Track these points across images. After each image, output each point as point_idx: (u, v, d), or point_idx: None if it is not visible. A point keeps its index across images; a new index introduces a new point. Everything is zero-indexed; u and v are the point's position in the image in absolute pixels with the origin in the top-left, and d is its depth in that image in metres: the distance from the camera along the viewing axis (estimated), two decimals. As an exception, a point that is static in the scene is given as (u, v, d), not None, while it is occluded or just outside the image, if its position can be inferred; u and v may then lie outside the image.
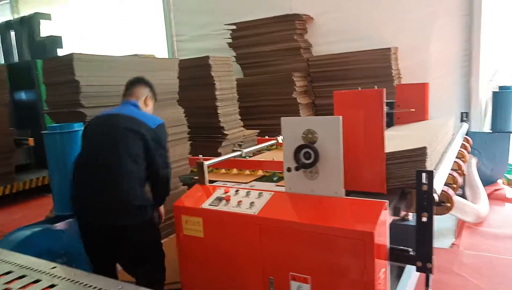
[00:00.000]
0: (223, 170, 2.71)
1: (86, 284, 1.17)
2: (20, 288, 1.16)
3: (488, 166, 5.04)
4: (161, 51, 7.66)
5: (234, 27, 6.21)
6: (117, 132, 2.32)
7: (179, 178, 3.14)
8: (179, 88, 4.07)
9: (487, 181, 4.84)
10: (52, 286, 1.17)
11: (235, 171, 2.66)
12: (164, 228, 3.08)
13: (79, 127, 2.78)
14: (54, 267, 1.30)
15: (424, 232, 1.73)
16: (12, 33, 7.79)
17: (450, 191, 2.10)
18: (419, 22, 5.35)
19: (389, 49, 5.21)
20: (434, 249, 1.74)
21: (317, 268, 1.68)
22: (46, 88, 3.40)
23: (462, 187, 4.20)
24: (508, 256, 3.26)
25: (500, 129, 5.14)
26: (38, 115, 6.25)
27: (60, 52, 7.10)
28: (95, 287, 1.15)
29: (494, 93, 5.22)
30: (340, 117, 1.77)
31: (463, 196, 4.13)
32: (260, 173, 2.53)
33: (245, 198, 1.98)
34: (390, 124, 3.56)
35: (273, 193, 1.96)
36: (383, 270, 1.66)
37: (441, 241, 3.61)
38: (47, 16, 7.46)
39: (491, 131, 5.25)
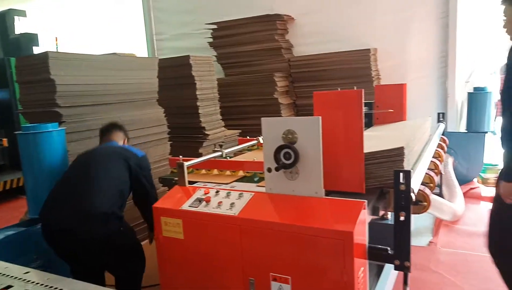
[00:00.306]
0: (203, 171, 2.69)
1: (60, 289, 1.14)
2: (-10, 294, 1.13)
3: (464, 166, 5.17)
4: (141, 50, 7.53)
5: (215, 26, 6.18)
6: (102, 152, 2.53)
7: (159, 179, 3.10)
8: (159, 87, 4.02)
9: (463, 180, 4.97)
10: (25, 291, 1.14)
11: (216, 171, 2.64)
12: (144, 230, 3.04)
13: (54, 127, 2.71)
14: (27, 272, 1.26)
15: (402, 231, 1.75)
16: (-15, 30, 7.52)
17: (427, 191, 2.15)
18: (397, 24, 5.45)
19: (368, 50, 5.29)
20: (412, 247, 1.77)
21: (298, 268, 1.68)
22: (19, 87, 3.29)
23: (439, 186, 4.29)
24: (482, 253, 3.35)
25: (475, 129, 5.28)
26: (13, 114, 6.07)
27: (37, 50, 6.91)
28: (69, 292, 1.12)
29: (470, 94, 5.36)
30: (320, 117, 1.77)
31: (440, 194, 4.22)
32: (241, 173, 2.52)
33: (226, 199, 1.96)
34: (369, 124, 3.61)
35: (253, 193, 1.95)
36: (362, 269, 1.67)
37: (418, 240, 3.69)
38: (21, 13, 7.23)
39: (466, 131, 5.39)
